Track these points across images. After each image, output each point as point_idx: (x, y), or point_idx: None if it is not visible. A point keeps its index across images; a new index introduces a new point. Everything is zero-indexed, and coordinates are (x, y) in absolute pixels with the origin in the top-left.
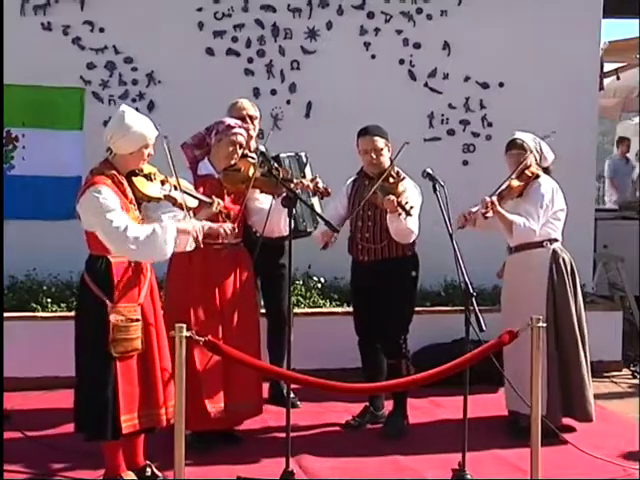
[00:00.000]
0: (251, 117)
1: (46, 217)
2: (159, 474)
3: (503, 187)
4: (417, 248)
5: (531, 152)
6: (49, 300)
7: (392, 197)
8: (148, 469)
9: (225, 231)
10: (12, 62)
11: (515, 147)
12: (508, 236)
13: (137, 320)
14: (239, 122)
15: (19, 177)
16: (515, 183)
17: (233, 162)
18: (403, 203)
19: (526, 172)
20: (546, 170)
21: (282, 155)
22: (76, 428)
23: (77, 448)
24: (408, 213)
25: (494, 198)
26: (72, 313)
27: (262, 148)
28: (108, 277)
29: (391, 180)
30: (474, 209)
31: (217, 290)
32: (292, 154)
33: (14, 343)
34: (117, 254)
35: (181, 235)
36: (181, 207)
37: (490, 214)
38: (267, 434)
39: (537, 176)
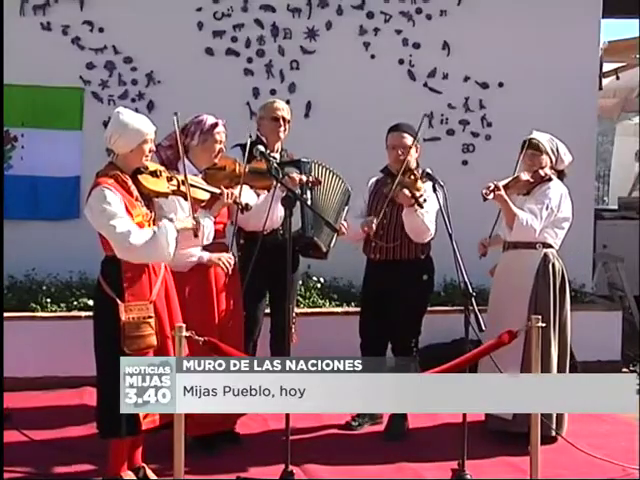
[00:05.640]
0: (284, 119)
1: (45, 217)
2: (153, 476)
3: (510, 178)
4: None
5: (546, 153)
6: (48, 300)
7: (406, 190)
8: (141, 471)
9: (224, 264)
10: (12, 62)
11: (530, 147)
12: (507, 229)
13: (149, 317)
14: (218, 120)
15: (17, 177)
16: (524, 177)
17: (216, 160)
18: (417, 195)
19: (539, 171)
20: (561, 173)
21: (303, 160)
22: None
23: (77, 447)
24: (420, 205)
25: (500, 184)
26: (72, 313)
27: (262, 147)
28: (118, 276)
29: (411, 177)
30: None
31: (210, 292)
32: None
33: (14, 343)
34: (120, 258)
35: (182, 233)
36: (193, 201)
37: (491, 197)
38: (267, 435)
39: (549, 179)
